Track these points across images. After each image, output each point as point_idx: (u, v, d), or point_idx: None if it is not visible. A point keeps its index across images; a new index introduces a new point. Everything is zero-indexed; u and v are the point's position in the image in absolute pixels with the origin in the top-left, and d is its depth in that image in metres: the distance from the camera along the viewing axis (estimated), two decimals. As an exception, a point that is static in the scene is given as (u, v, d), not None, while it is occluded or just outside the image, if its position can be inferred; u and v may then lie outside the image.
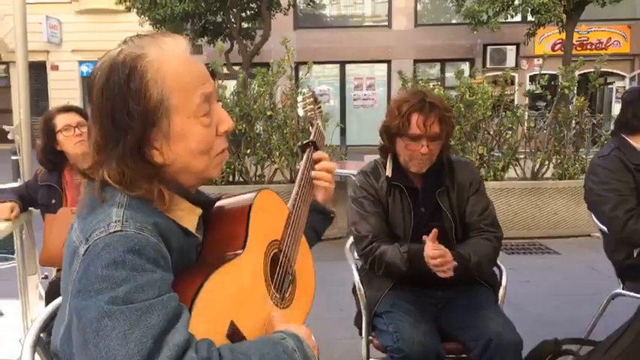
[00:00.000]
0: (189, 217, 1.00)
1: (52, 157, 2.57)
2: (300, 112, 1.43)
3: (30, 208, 2.69)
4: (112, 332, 0.79)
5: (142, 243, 0.85)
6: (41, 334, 1.20)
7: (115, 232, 0.85)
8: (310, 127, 1.41)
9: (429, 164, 2.03)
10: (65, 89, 16.06)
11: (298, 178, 1.31)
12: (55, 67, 16.62)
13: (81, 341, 0.82)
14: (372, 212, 2.07)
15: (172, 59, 0.92)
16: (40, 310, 1.30)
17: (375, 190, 2.10)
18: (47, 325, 1.24)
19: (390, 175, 2.08)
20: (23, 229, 2.74)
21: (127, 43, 0.93)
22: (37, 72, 15.17)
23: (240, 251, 1.04)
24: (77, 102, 14.99)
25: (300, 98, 1.45)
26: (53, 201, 2.56)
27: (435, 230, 1.85)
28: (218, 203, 1.13)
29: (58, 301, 1.30)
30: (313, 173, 1.33)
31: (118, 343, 0.78)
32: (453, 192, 2.07)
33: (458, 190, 2.07)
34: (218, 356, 0.83)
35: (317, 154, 1.35)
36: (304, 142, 1.36)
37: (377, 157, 2.23)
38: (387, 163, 2.11)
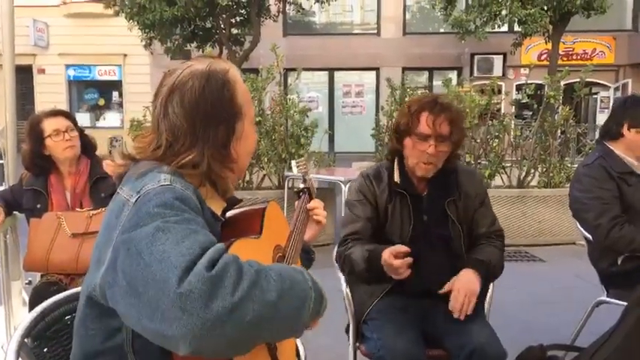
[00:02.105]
0: (216, 205, 1.19)
1: (39, 162, 2.54)
2: (295, 169, 1.61)
3: (15, 213, 2.66)
4: (165, 241, 0.91)
5: (187, 196, 1.02)
6: (25, 340, 1.19)
7: (165, 185, 1.02)
8: (302, 183, 1.61)
9: (435, 169, 2.01)
10: (52, 93, 15.90)
11: (295, 215, 1.48)
12: (41, 71, 16.46)
13: (131, 259, 0.92)
14: (362, 217, 2.05)
15: (240, 78, 1.20)
16: (24, 316, 1.28)
17: (374, 196, 2.07)
18: (31, 331, 1.23)
19: (398, 181, 2.06)
20: (7, 234, 2.70)
21: (201, 62, 1.15)
22: (23, 75, 15.01)
23: (258, 236, 1.19)
24: (63, 106, 14.84)
25: (294, 162, 1.63)
26: (38, 205, 2.53)
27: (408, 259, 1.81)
28: (233, 211, 1.27)
29: (42, 306, 1.30)
30: (309, 206, 1.53)
31: (171, 247, 0.90)
32: (460, 201, 2.06)
33: (464, 200, 2.06)
34: (248, 265, 0.93)
35: (312, 204, 1.55)
36: (300, 188, 1.58)
37: (365, 163, 2.23)
38: (394, 168, 2.09)
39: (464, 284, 1.90)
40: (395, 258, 1.79)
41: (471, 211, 2.08)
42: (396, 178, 2.06)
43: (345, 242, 2.05)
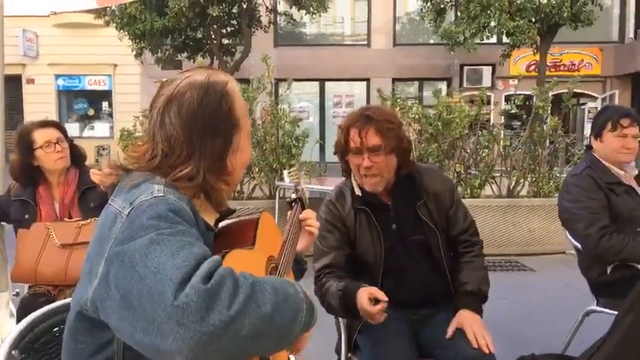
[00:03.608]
0: (209, 216, 1.17)
1: (29, 172, 2.51)
2: (287, 179, 1.65)
3: (2, 223, 2.63)
4: (160, 253, 0.90)
5: (181, 207, 1.01)
6: (13, 352, 1.17)
7: (158, 196, 1.01)
8: (294, 193, 1.60)
9: (382, 182, 1.96)
10: (41, 103, 15.83)
11: (287, 226, 1.48)
12: (30, 81, 16.38)
13: (125, 272, 0.90)
14: (333, 247, 2.00)
15: (238, 91, 1.19)
16: (11, 328, 1.27)
17: (341, 221, 2.02)
18: (19, 343, 1.22)
19: (360, 194, 2.01)
20: (-5, 245, 2.67)
21: (200, 73, 1.14)
22: (12, 85, 14.93)
23: (251, 246, 1.18)
24: (53, 116, 14.77)
25: (286, 172, 1.68)
26: (27, 216, 2.50)
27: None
28: (225, 221, 1.26)
29: (30, 317, 1.28)
30: (301, 216, 1.52)
31: (166, 259, 0.89)
32: (431, 202, 2.02)
33: (435, 200, 2.03)
34: (243, 277, 0.93)
35: (304, 215, 1.54)
36: (292, 199, 1.58)
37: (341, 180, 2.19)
38: (353, 183, 2.05)
39: (472, 323, 1.86)
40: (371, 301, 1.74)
41: (444, 211, 2.04)
42: (357, 191, 2.02)
43: (319, 278, 1.99)
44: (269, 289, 0.94)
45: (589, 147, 2.63)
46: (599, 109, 14.28)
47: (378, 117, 1.93)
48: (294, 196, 1.59)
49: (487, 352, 1.78)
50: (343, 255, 2.00)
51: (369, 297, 1.75)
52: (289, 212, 1.55)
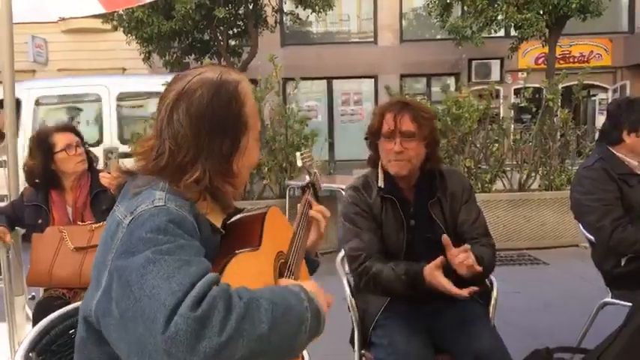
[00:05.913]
0: (216, 217, 1.16)
1: (48, 175, 2.53)
2: (299, 163, 1.59)
3: (16, 228, 2.66)
4: (156, 275, 0.88)
5: (182, 217, 0.99)
6: (30, 354, 1.19)
7: (159, 206, 0.99)
8: (307, 176, 1.56)
9: (407, 167, 1.99)
10: (51, 108, 15.96)
11: (298, 214, 1.43)
12: (41, 87, 16.51)
13: (122, 290, 0.90)
14: (365, 228, 2.02)
15: (250, 91, 1.17)
16: (28, 331, 1.28)
17: (368, 206, 2.05)
18: (36, 345, 1.23)
19: (382, 186, 2.05)
20: (9, 250, 2.70)
21: (212, 70, 1.13)
22: (23, 92, 15.04)
23: (257, 247, 1.17)
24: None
25: (298, 154, 1.60)
26: (40, 221, 2.53)
27: (442, 259, 1.78)
28: (233, 218, 1.24)
29: (47, 320, 1.29)
30: (311, 212, 1.45)
31: (161, 283, 0.87)
32: (446, 202, 2.05)
33: (450, 201, 2.05)
34: (238, 296, 0.91)
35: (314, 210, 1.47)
36: (305, 183, 1.52)
37: (365, 171, 2.22)
38: (379, 173, 2.09)
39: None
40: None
41: (457, 211, 2.06)
42: (380, 182, 2.06)
43: (357, 259, 1.98)
44: (266, 304, 0.92)
45: (602, 139, 2.59)
46: (614, 100, 14.14)
47: (414, 105, 2.01)
48: (308, 178, 1.54)
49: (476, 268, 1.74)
50: (375, 237, 2.02)
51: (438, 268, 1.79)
52: (302, 198, 1.49)
